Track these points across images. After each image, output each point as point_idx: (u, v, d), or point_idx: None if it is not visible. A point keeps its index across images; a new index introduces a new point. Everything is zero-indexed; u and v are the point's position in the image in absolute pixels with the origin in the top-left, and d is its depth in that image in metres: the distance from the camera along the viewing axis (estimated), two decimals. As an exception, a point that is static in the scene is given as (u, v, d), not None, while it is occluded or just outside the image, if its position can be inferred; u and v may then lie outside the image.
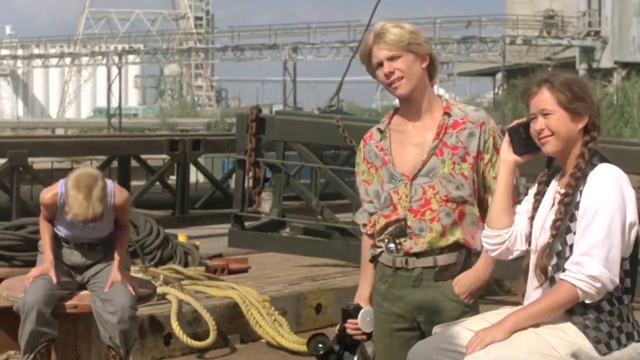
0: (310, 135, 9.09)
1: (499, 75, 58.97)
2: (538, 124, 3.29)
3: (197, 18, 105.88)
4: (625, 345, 3.23)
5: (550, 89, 3.27)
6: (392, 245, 3.67)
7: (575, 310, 3.23)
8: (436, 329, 3.50)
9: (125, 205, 4.91)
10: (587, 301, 3.19)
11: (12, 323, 6.25)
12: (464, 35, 58.52)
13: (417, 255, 3.64)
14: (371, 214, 3.76)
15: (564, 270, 3.21)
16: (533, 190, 3.45)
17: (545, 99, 3.27)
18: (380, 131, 3.72)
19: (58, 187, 4.78)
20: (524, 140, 3.35)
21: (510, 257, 3.48)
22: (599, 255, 3.14)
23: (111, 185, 4.82)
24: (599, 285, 3.15)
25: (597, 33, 54.03)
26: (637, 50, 53.09)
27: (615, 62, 52.81)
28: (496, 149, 3.64)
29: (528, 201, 3.46)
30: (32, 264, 5.03)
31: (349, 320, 3.78)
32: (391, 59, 3.56)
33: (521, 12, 59.45)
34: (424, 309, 3.66)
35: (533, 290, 3.35)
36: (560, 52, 57.85)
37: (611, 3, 53.54)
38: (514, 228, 3.44)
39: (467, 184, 3.62)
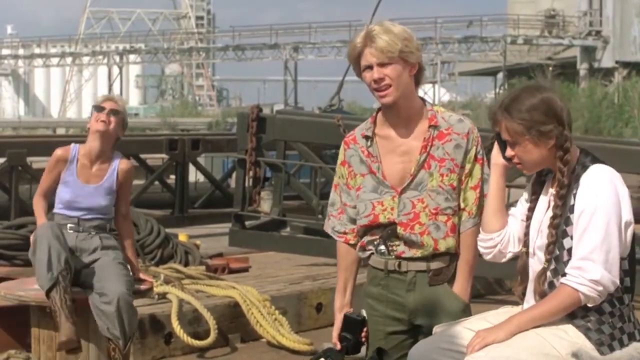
0: (310, 135, 9.08)
1: (500, 75, 58.97)
2: (507, 152, 3.32)
3: (199, 17, 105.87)
4: (627, 346, 3.22)
5: (508, 120, 3.25)
6: (382, 247, 3.63)
7: (576, 313, 3.22)
8: (436, 329, 3.50)
9: (129, 171, 5.11)
10: (588, 304, 3.19)
11: (13, 323, 6.26)
12: (465, 34, 58.57)
13: (410, 258, 3.61)
14: (353, 221, 3.71)
15: (564, 275, 3.20)
16: (528, 192, 3.44)
17: (505, 129, 3.27)
18: (367, 137, 3.65)
19: (71, 144, 5.05)
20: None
21: (504, 259, 3.47)
22: (599, 258, 3.14)
23: (120, 154, 5.12)
24: (600, 288, 3.15)
25: (598, 33, 54.01)
26: (638, 50, 53.07)
27: (617, 62, 52.80)
28: (477, 160, 3.61)
29: (523, 204, 3.45)
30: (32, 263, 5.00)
31: (365, 329, 3.71)
32: (381, 65, 3.50)
33: (522, 11, 59.44)
34: (420, 312, 3.63)
35: (532, 296, 3.35)
36: (561, 51, 57.84)
37: (612, 3, 53.51)
38: (507, 230, 3.43)
39: (457, 195, 3.60)
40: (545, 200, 3.35)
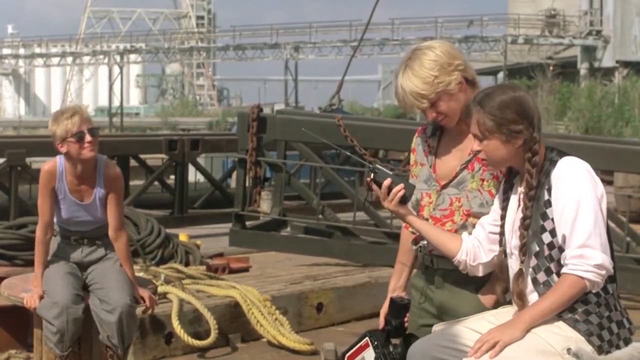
0: (310, 135, 9.06)
1: (501, 75, 58.98)
2: (474, 146, 3.39)
3: (199, 17, 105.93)
4: (617, 334, 3.28)
5: (480, 113, 3.30)
6: (424, 242, 3.70)
7: None
8: (436, 327, 3.54)
9: (118, 177, 4.77)
10: (592, 291, 3.22)
11: (13, 322, 6.27)
12: (466, 34, 58.63)
13: (439, 256, 3.66)
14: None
15: (560, 266, 3.25)
16: (499, 196, 3.48)
17: (475, 123, 3.32)
18: (433, 129, 3.72)
19: (56, 158, 4.72)
20: None
21: (479, 273, 3.53)
22: (596, 243, 3.20)
23: (104, 157, 4.75)
24: (604, 272, 3.21)
25: (598, 32, 54.03)
26: (638, 50, 53.08)
27: (617, 62, 52.81)
28: None
29: (494, 209, 3.49)
30: (33, 263, 4.98)
31: (408, 314, 3.81)
32: (432, 104, 3.55)
33: (523, 11, 59.47)
34: (446, 309, 3.68)
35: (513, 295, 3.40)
36: (561, 51, 57.87)
37: (613, 2, 53.53)
38: (469, 245, 3.49)
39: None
40: (516, 199, 3.39)
